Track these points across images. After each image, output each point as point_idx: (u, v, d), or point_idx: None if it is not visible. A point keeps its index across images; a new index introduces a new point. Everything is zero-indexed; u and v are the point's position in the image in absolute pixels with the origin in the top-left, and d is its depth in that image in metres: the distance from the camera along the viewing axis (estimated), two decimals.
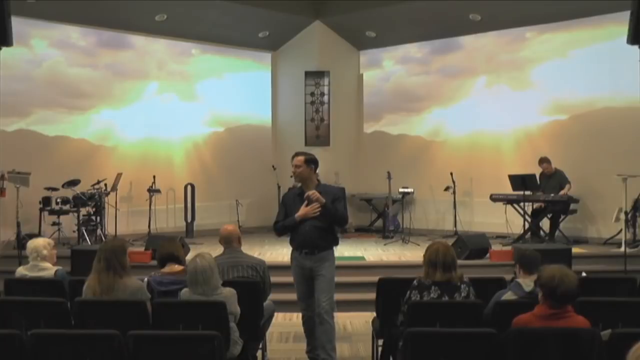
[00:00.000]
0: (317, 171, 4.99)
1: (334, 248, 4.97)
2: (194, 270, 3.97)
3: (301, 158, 4.86)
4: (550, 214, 9.10)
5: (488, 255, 7.84)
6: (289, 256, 7.94)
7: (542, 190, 9.06)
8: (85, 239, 8.77)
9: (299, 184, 5.02)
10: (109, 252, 4.03)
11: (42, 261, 4.75)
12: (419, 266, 4.35)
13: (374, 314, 5.04)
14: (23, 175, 8.44)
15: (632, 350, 1.95)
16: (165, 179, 10.42)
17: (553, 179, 9.17)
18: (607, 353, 3.19)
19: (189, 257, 5.68)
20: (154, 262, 5.81)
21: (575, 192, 9.17)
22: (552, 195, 8.90)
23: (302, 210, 4.77)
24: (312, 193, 4.72)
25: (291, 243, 4.99)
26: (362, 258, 8.28)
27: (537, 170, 9.27)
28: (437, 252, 4.05)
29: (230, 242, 4.94)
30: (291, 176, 5.16)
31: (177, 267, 4.42)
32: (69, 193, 8.91)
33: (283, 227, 4.98)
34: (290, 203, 4.94)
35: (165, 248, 4.55)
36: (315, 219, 4.74)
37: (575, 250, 7.88)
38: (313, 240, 4.79)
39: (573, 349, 3.22)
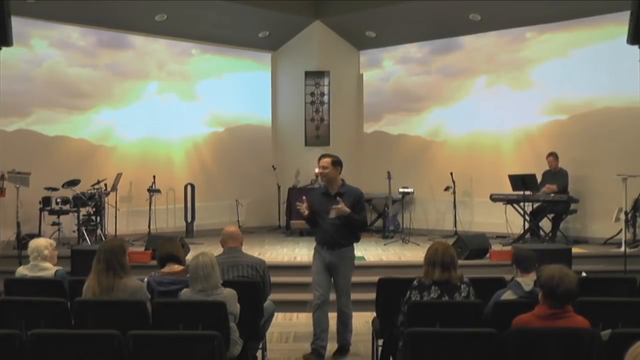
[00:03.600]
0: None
1: (355, 245, 5.33)
2: (195, 266, 3.99)
3: (328, 160, 5.16)
4: (552, 214, 9.09)
5: (488, 255, 7.84)
6: (289, 256, 8.20)
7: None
8: (85, 239, 8.77)
9: (323, 184, 5.36)
10: (109, 252, 4.02)
11: (43, 261, 4.75)
12: (419, 266, 4.35)
13: (374, 314, 5.05)
14: (23, 175, 8.43)
15: (630, 351, 1.95)
16: (165, 179, 10.42)
17: (555, 177, 9.15)
18: (607, 353, 3.19)
19: (189, 257, 5.71)
20: (154, 262, 5.81)
21: (575, 192, 9.17)
22: (552, 195, 8.90)
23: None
24: (335, 208, 5.01)
25: (315, 238, 5.37)
26: (362, 258, 8.27)
27: (537, 170, 9.26)
28: (436, 251, 4.08)
29: (231, 242, 4.93)
30: (316, 176, 5.43)
31: (177, 267, 4.42)
32: (69, 193, 8.91)
33: (315, 220, 5.31)
34: (315, 201, 5.25)
35: (165, 248, 4.55)
36: (335, 219, 5.06)
37: (575, 250, 7.87)
38: (333, 237, 5.14)
39: (573, 349, 3.22)
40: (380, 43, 11.72)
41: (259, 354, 4.76)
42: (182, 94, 11.17)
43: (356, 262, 7.81)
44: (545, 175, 9.27)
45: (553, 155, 9.21)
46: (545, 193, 8.95)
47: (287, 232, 10.86)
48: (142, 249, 8.00)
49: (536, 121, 10.11)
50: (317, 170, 5.24)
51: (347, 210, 5.01)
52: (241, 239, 5.03)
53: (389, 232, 10.19)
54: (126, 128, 10.48)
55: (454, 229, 10.07)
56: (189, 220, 10.54)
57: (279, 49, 12.08)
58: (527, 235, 9.05)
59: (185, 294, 4.05)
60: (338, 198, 5.08)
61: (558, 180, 9.05)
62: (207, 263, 3.99)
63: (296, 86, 11.96)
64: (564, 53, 9.82)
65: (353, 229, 5.18)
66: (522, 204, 9.02)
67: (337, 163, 5.19)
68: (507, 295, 4.05)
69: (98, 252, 4.08)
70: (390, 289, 4.68)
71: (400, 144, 11.72)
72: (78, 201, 8.88)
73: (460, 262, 4.26)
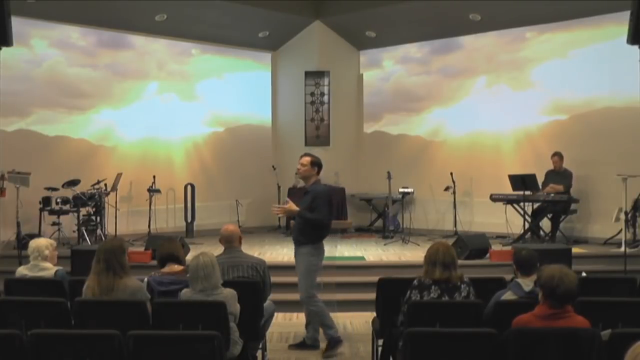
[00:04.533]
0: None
1: (320, 243, 5.44)
2: (195, 265, 3.99)
3: (308, 159, 5.48)
4: (551, 214, 9.09)
5: (488, 255, 7.83)
6: (289, 256, 8.24)
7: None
8: (85, 239, 8.77)
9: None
10: (108, 252, 4.01)
11: (43, 261, 4.75)
12: (419, 266, 4.36)
13: (374, 314, 5.05)
14: (23, 175, 8.43)
15: (630, 351, 1.95)
16: (165, 179, 10.41)
17: (559, 177, 9.14)
18: (607, 353, 3.19)
19: (189, 257, 5.71)
20: (154, 262, 5.81)
21: (575, 192, 9.16)
22: (552, 195, 8.90)
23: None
24: (279, 207, 5.60)
25: None
26: (362, 258, 8.28)
27: (537, 170, 9.25)
28: (437, 250, 4.09)
29: (231, 241, 4.94)
30: (296, 173, 5.70)
31: (177, 267, 4.42)
32: (69, 193, 8.91)
33: None
34: (298, 200, 5.59)
35: (165, 248, 4.55)
36: (297, 217, 5.42)
37: (575, 250, 7.87)
38: (295, 234, 5.51)
39: (573, 349, 3.22)
40: (380, 43, 11.72)
41: (259, 354, 4.76)
42: (182, 94, 11.16)
43: (356, 262, 7.94)
44: (548, 175, 9.26)
45: (558, 155, 9.20)
46: (549, 193, 8.95)
47: (287, 232, 10.84)
48: (142, 249, 8.00)
49: (536, 121, 10.11)
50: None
51: (294, 208, 5.34)
52: (240, 238, 5.03)
53: (389, 232, 10.18)
54: (126, 128, 10.48)
55: (454, 229, 10.07)
56: (189, 220, 10.54)
57: (279, 49, 12.07)
58: (527, 235, 9.05)
59: (185, 294, 4.05)
60: (287, 198, 5.59)
61: (562, 181, 9.05)
62: (208, 263, 4.00)
63: (296, 86, 11.95)
64: (564, 53, 9.82)
65: (309, 227, 5.35)
66: (522, 204, 9.02)
67: (315, 164, 5.47)
68: (507, 295, 4.04)
69: (97, 252, 4.07)
70: (390, 289, 4.68)
71: (400, 144, 11.72)
72: (78, 201, 8.88)
73: (460, 262, 4.27)
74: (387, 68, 11.91)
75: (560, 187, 8.96)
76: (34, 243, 4.81)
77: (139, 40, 10.67)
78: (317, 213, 5.31)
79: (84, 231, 8.85)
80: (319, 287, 5.53)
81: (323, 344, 5.48)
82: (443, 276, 4.00)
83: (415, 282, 4.10)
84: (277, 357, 5.37)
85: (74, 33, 10.00)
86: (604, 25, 9.29)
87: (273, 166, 11.52)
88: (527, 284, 3.98)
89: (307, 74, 11.88)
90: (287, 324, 6.44)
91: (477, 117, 10.70)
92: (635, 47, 6.06)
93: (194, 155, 11.33)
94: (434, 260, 4.04)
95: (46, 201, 8.91)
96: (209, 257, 4.05)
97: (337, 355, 5.32)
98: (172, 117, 10.94)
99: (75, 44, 10.05)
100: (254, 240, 9.71)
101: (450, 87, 11.13)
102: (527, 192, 8.95)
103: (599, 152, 9.32)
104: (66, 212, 8.97)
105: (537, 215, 9.16)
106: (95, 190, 9.09)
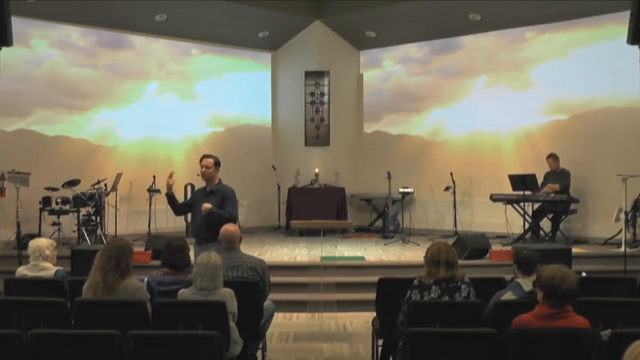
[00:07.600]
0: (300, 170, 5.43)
1: None
2: (206, 263, 3.99)
3: (211, 160, 5.70)
4: (551, 215, 9.10)
5: (488, 255, 7.83)
6: (289, 256, 8.27)
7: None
8: (85, 239, 8.77)
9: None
10: (120, 252, 3.99)
11: (43, 261, 4.74)
12: (419, 266, 4.36)
13: (374, 314, 5.05)
14: (23, 175, 8.43)
15: (628, 351, 1.95)
16: (165, 179, 10.34)
17: (557, 177, 9.14)
18: (607, 353, 3.19)
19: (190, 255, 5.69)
20: (154, 262, 5.80)
21: (575, 192, 9.17)
22: (552, 195, 8.90)
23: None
24: (204, 208, 5.50)
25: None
26: (362, 258, 8.28)
27: (537, 170, 9.26)
28: (439, 250, 4.06)
29: (231, 242, 4.93)
30: (198, 174, 5.81)
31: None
32: (69, 193, 8.91)
33: (177, 206, 6.13)
34: (197, 198, 5.88)
35: (177, 255, 4.44)
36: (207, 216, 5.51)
37: (575, 250, 7.87)
38: (201, 232, 5.56)
39: (573, 349, 3.22)
40: (380, 43, 11.73)
41: (259, 354, 4.77)
42: (182, 94, 11.17)
43: (356, 262, 7.93)
44: (547, 175, 9.27)
45: (552, 157, 9.21)
46: (547, 193, 8.95)
47: (287, 232, 10.85)
48: (142, 249, 8.00)
49: (536, 121, 10.11)
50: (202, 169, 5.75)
51: (209, 206, 5.44)
52: (240, 239, 5.03)
53: (389, 232, 10.19)
54: (126, 128, 10.49)
55: (454, 229, 10.07)
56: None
57: (279, 49, 12.08)
58: (527, 235, 9.05)
59: (183, 293, 4.04)
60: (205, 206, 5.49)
61: (560, 180, 9.05)
62: (218, 264, 4.03)
63: (296, 86, 11.96)
64: (564, 53, 9.82)
65: (218, 225, 5.20)
66: (522, 204, 9.02)
67: (218, 164, 5.72)
68: (507, 295, 4.04)
69: (108, 250, 4.01)
70: (390, 289, 4.68)
71: (400, 144, 11.72)
72: (78, 201, 8.88)
73: (460, 262, 4.26)
74: (387, 68, 11.92)
75: (556, 186, 8.96)
76: (34, 243, 4.80)
77: (139, 40, 10.67)
78: (228, 210, 5.50)
79: (84, 231, 8.85)
80: None
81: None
82: (447, 275, 3.99)
83: (415, 282, 4.09)
84: (277, 357, 5.37)
85: (74, 33, 10.00)
86: (604, 25, 9.29)
87: (273, 166, 11.52)
88: (527, 284, 3.98)
89: (307, 74, 11.89)
90: (287, 324, 6.44)
91: (477, 117, 10.70)
92: (635, 47, 6.05)
93: (194, 155, 11.28)
94: (438, 259, 4.01)
95: (46, 201, 8.91)
96: (219, 259, 4.08)
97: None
98: (172, 117, 10.94)
99: (75, 44, 10.05)
100: (254, 240, 9.70)
101: (450, 87, 11.13)
102: (527, 192, 8.95)
103: (599, 152, 9.32)
104: (66, 212, 8.97)
105: (537, 216, 9.16)
106: (95, 190, 9.09)
